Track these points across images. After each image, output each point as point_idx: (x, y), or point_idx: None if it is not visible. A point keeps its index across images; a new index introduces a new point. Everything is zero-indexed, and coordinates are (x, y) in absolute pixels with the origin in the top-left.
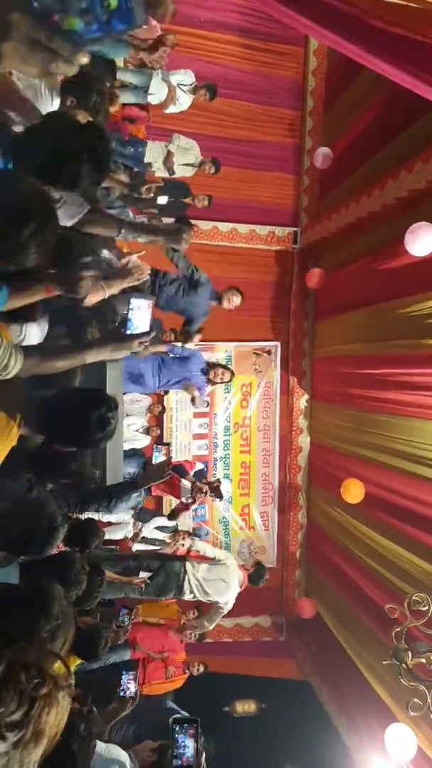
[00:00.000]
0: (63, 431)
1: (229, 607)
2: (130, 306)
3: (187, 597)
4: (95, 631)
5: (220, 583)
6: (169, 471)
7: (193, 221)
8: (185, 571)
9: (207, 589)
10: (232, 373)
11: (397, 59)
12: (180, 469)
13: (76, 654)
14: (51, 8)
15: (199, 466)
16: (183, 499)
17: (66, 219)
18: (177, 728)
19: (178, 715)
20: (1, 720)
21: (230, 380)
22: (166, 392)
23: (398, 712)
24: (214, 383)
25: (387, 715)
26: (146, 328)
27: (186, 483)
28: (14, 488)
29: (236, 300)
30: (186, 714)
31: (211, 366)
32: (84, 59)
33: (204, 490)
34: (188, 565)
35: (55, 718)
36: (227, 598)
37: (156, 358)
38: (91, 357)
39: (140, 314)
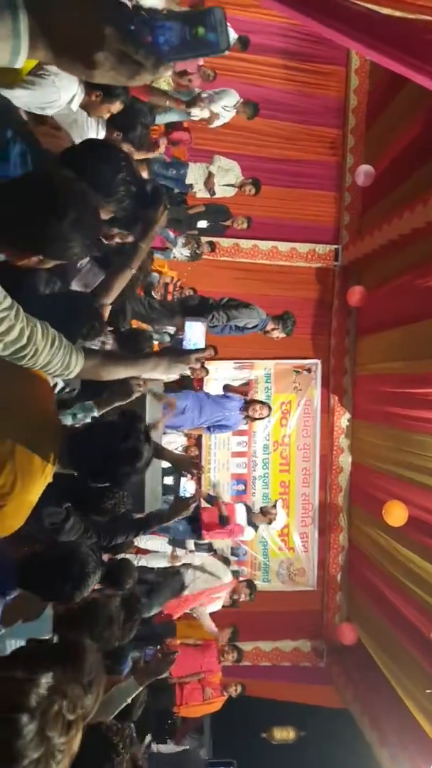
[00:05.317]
0: (93, 466)
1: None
2: (186, 326)
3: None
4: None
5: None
6: (194, 503)
7: (233, 240)
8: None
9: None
10: (270, 408)
11: None
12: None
13: None
14: (144, 33)
15: (240, 508)
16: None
17: (80, 286)
18: None
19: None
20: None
21: (268, 415)
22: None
23: None
24: (252, 419)
25: (431, 748)
26: (202, 345)
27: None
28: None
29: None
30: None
31: (248, 403)
32: (167, 72)
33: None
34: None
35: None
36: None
37: (198, 396)
38: (149, 367)
39: (195, 333)
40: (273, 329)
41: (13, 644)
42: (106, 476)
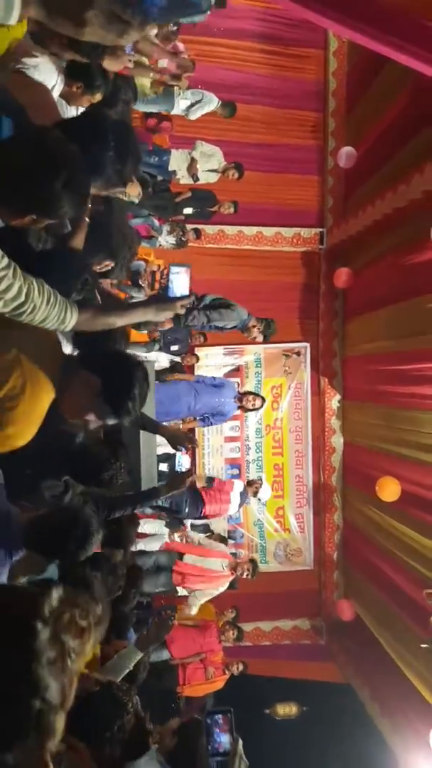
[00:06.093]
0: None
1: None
2: (171, 272)
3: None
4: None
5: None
6: (189, 478)
7: (218, 227)
8: None
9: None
10: (263, 399)
11: (424, 50)
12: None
13: None
14: None
15: (239, 485)
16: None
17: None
18: (210, 721)
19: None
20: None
21: (262, 406)
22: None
23: None
24: (246, 410)
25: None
26: (186, 292)
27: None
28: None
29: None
30: None
31: (242, 394)
32: (153, 31)
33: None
34: None
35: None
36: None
37: (192, 384)
38: (138, 316)
39: (180, 280)
40: (253, 326)
41: None
42: (115, 387)
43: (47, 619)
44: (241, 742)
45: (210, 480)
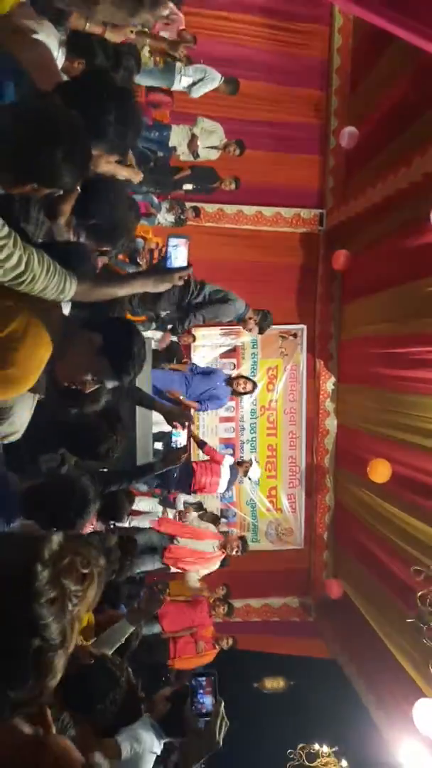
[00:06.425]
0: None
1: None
2: (169, 243)
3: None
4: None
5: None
6: (185, 455)
7: (218, 206)
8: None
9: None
10: (254, 384)
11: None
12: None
13: None
14: None
15: (229, 459)
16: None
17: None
18: (194, 683)
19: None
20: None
21: (253, 390)
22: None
23: (427, 689)
24: (238, 394)
25: (416, 693)
26: (185, 264)
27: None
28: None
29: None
30: None
31: (233, 378)
32: (165, 11)
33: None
34: None
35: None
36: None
37: (183, 374)
38: (137, 287)
39: (179, 251)
40: (250, 318)
41: None
42: (120, 352)
43: (47, 561)
44: (223, 703)
45: (203, 443)
